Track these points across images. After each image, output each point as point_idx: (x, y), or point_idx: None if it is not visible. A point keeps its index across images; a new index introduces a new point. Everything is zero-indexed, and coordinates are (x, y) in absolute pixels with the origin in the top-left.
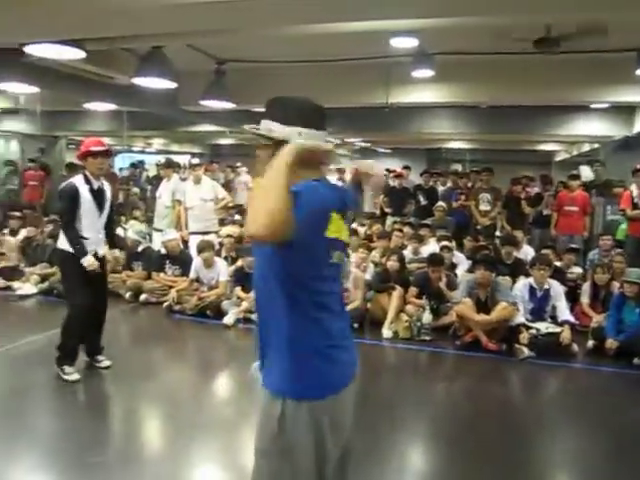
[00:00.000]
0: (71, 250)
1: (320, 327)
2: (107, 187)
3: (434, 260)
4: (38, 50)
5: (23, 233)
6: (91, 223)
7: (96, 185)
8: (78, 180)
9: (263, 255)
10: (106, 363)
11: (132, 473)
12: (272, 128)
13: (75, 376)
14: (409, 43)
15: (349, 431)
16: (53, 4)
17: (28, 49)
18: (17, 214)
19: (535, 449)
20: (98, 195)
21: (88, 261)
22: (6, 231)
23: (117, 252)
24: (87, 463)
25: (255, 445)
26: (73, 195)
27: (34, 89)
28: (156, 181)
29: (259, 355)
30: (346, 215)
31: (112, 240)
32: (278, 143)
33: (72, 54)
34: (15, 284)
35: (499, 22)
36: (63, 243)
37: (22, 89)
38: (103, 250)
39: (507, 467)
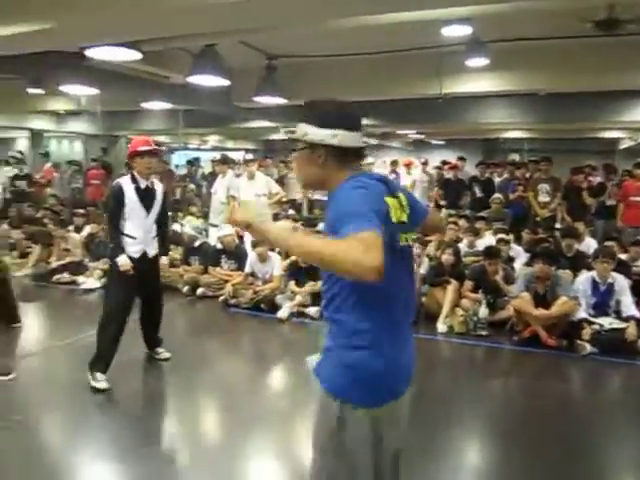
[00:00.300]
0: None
1: (387, 332)
2: (158, 186)
3: (490, 253)
4: (98, 53)
5: (87, 230)
6: (138, 222)
7: (143, 184)
8: (125, 180)
9: None
10: (165, 355)
11: (190, 463)
12: (307, 131)
13: (103, 384)
14: (462, 31)
15: (404, 429)
16: (111, 8)
17: (88, 52)
18: (81, 211)
19: (596, 449)
20: (145, 194)
21: (122, 261)
22: (71, 228)
23: (164, 259)
24: (147, 452)
25: (313, 442)
26: (118, 195)
27: (94, 91)
28: (211, 177)
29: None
30: (398, 197)
31: (162, 243)
32: (313, 146)
33: (129, 56)
34: (80, 278)
35: (556, 5)
36: None
37: (83, 91)
38: (154, 250)
39: (566, 466)
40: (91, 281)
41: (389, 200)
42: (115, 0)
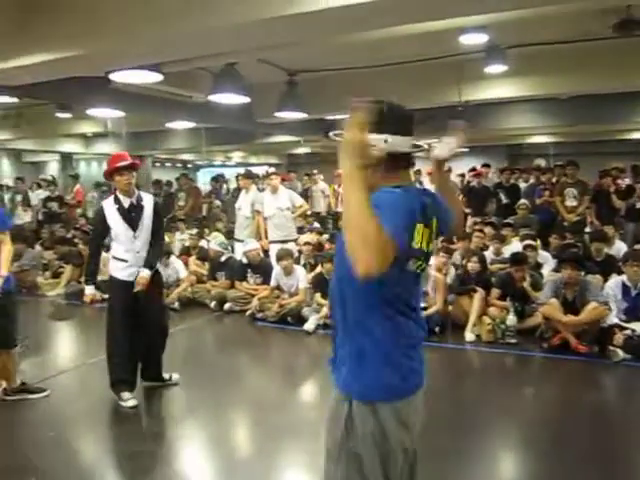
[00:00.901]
0: (116, 275)
1: (395, 335)
2: (147, 200)
3: (517, 259)
4: (121, 76)
5: None
6: (126, 245)
7: (127, 203)
8: (107, 202)
9: (344, 267)
10: (175, 377)
11: (222, 476)
12: None
13: (131, 402)
14: (479, 39)
15: (417, 432)
16: (137, 34)
17: (113, 76)
18: None
19: (633, 458)
20: (130, 213)
21: (88, 291)
22: None
23: (147, 271)
24: (179, 466)
25: (325, 447)
26: (100, 218)
27: (120, 113)
28: (236, 193)
29: (333, 353)
30: (431, 225)
31: (151, 255)
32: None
33: (151, 78)
34: None
35: (572, 8)
36: (111, 268)
37: (109, 113)
38: (147, 271)
39: (602, 475)
40: None
41: (418, 226)
42: (141, 26)
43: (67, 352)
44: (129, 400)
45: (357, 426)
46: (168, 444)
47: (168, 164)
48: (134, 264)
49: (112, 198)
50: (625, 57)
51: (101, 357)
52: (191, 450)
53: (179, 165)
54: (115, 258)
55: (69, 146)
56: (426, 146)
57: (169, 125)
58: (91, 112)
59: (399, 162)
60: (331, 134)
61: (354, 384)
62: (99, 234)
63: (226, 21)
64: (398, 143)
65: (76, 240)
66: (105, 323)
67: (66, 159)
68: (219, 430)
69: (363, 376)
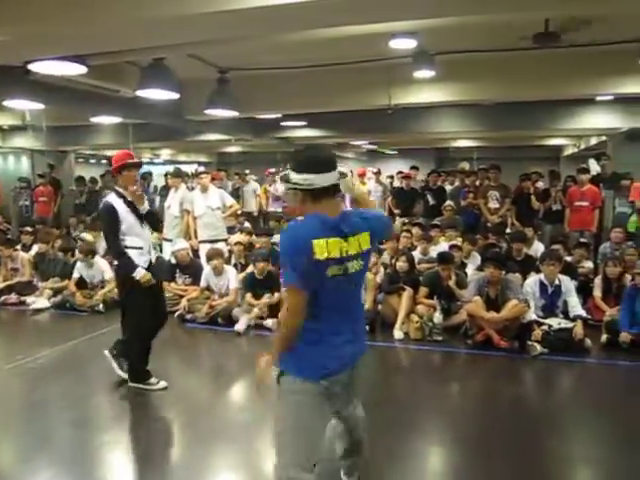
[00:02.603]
0: (136, 261)
1: (328, 333)
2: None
3: (444, 258)
4: (42, 67)
5: (35, 248)
6: (140, 234)
7: (129, 198)
8: (112, 198)
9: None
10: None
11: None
12: (290, 177)
13: (162, 383)
14: (408, 44)
15: (355, 409)
16: (56, 22)
17: (32, 66)
18: (29, 229)
19: (552, 446)
20: (135, 207)
21: (140, 273)
22: (19, 247)
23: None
24: (106, 473)
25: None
26: (112, 214)
27: (39, 105)
28: (164, 191)
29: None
30: (345, 236)
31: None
32: (294, 188)
33: (74, 70)
34: (29, 298)
35: (497, 19)
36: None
37: (28, 105)
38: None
39: (525, 465)
40: (41, 301)
41: (316, 242)
42: (68, 13)
43: None
44: (159, 382)
45: (287, 391)
46: (92, 450)
47: (92, 160)
48: (147, 252)
49: (114, 195)
50: (544, 67)
51: (19, 362)
52: (118, 455)
53: (104, 161)
54: (130, 247)
55: None
56: (349, 173)
57: (94, 120)
58: (7, 103)
59: (320, 195)
60: (279, 178)
61: (291, 363)
62: (113, 230)
63: (163, 13)
64: (316, 180)
65: None
66: (128, 313)
67: None
68: (147, 435)
69: (296, 357)
